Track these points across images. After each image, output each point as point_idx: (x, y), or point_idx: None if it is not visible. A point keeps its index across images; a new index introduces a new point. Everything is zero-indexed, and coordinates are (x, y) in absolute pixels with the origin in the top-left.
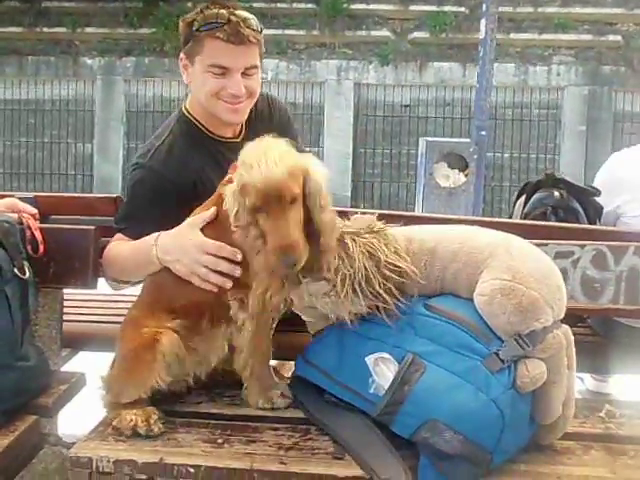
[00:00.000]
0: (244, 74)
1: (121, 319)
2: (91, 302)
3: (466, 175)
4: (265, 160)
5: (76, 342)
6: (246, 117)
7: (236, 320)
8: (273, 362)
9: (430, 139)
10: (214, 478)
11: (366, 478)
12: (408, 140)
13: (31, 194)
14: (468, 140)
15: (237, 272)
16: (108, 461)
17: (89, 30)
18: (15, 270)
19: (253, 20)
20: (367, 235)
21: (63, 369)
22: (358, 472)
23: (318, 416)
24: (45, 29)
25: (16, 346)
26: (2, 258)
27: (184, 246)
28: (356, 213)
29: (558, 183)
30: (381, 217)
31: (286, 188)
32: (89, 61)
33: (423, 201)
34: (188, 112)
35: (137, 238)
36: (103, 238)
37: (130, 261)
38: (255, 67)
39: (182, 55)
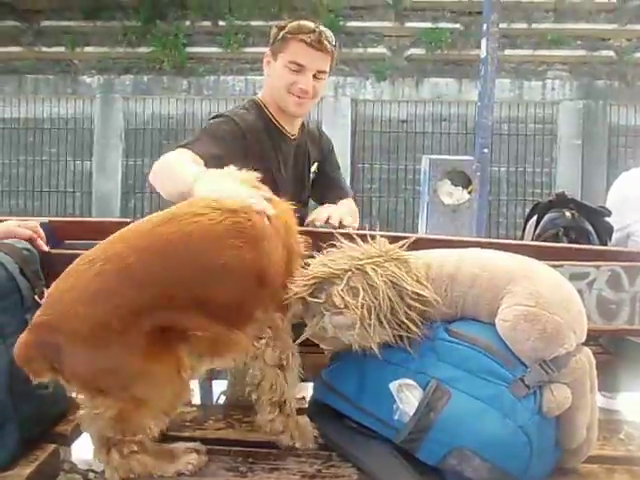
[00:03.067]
0: (315, 76)
1: None
2: None
3: (469, 192)
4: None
5: None
6: (305, 115)
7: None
8: None
9: (433, 157)
10: None
11: None
12: (406, 155)
13: (46, 219)
14: (471, 157)
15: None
16: None
17: (88, 49)
18: (36, 297)
19: (332, 36)
20: (387, 264)
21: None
22: None
23: (339, 442)
24: (44, 48)
25: None
26: (24, 286)
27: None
28: (364, 235)
29: (569, 203)
30: (390, 238)
31: None
32: (88, 79)
33: (427, 219)
34: (261, 101)
35: (201, 158)
36: None
37: (172, 178)
38: (324, 72)
39: (268, 52)
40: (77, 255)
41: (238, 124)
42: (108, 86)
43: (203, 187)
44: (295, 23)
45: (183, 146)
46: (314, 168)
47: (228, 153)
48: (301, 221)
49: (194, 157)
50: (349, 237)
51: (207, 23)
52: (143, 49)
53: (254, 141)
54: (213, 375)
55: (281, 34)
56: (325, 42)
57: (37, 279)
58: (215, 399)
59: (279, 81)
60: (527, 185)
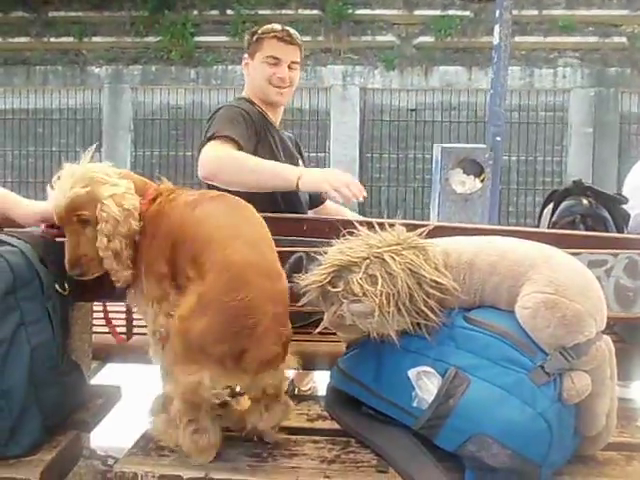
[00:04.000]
0: (289, 67)
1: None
2: (118, 314)
3: (482, 181)
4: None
5: (104, 354)
6: (286, 103)
7: None
8: (291, 373)
9: (445, 145)
10: None
11: None
12: (415, 144)
13: None
14: (483, 146)
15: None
16: (153, 476)
17: (96, 39)
18: (56, 286)
19: (296, 33)
20: (405, 252)
21: (93, 382)
22: None
23: (357, 429)
24: (52, 39)
25: (58, 362)
26: (44, 274)
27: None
28: (382, 224)
29: (586, 191)
30: (409, 227)
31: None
32: (96, 70)
33: (439, 208)
34: (248, 97)
35: (229, 139)
36: None
37: (256, 171)
38: (297, 63)
39: (245, 56)
40: None
41: (243, 109)
42: (116, 76)
43: (309, 178)
44: (265, 27)
45: (215, 137)
46: (300, 164)
47: (245, 130)
48: (301, 206)
49: (237, 146)
50: (367, 225)
51: (215, 12)
52: (151, 39)
53: (257, 124)
54: None
55: (255, 37)
56: (293, 36)
57: (57, 269)
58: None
59: (259, 75)
60: (537, 174)
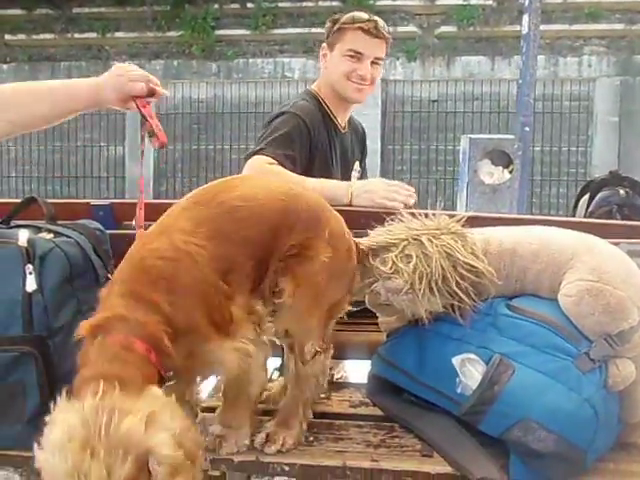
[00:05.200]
0: (372, 62)
1: None
2: None
3: (510, 171)
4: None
5: None
6: (363, 101)
7: None
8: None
9: (473, 136)
10: (308, 475)
11: (457, 475)
12: (437, 136)
13: (107, 201)
14: (512, 136)
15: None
16: (205, 459)
17: (118, 35)
18: (109, 275)
19: (385, 24)
20: (444, 236)
21: None
22: (449, 470)
23: (400, 415)
24: (76, 35)
25: None
26: (98, 265)
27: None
28: (433, 214)
29: (622, 181)
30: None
31: None
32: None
33: (467, 199)
34: (316, 92)
35: (277, 160)
36: None
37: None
38: (381, 59)
39: (324, 45)
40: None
41: (304, 120)
42: None
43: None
44: (349, 14)
45: (261, 152)
46: (357, 167)
47: (298, 151)
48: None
49: (279, 162)
50: (411, 215)
51: (235, 5)
52: (172, 33)
53: (316, 134)
54: None
55: (336, 26)
56: (380, 29)
57: (108, 258)
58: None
59: (338, 69)
60: (562, 164)
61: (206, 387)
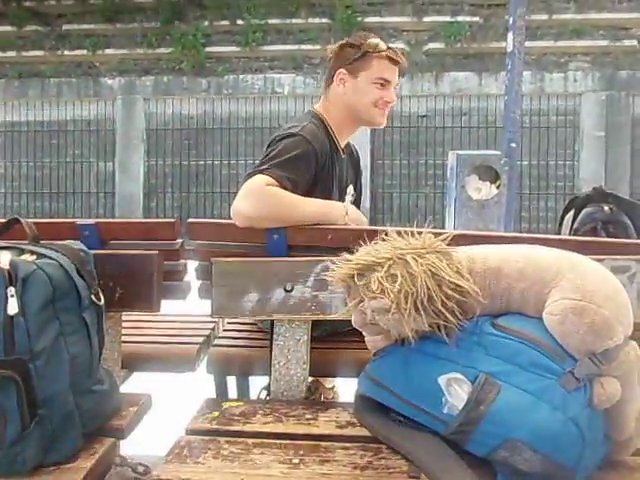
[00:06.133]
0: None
1: (175, 339)
2: (146, 322)
3: (497, 187)
4: None
5: (131, 363)
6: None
7: None
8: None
9: (460, 152)
10: None
11: None
12: (426, 150)
13: (93, 220)
14: (498, 152)
15: None
16: None
17: (109, 51)
18: (92, 297)
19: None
20: (429, 255)
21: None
22: None
23: (387, 435)
24: (66, 52)
25: (94, 370)
26: (81, 286)
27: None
28: (419, 232)
29: (607, 198)
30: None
31: None
32: (109, 81)
33: (455, 214)
34: (321, 115)
35: (278, 182)
36: (165, 262)
37: (301, 208)
38: (397, 84)
39: (342, 70)
40: (122, 255)
41: (314, 146)
42: (129, 87)
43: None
44: (371, 41)
45: (264, 172)
46: (350, 190)
47: (302, 176)
48: None
49: (280, 184)
50: (397, 234)
51: (225, 22)
52: (163, 50)
53: (322, 160)
54: (250, 371)
55: (359, 52)
56: (401, 56)
57: (92, 279)
58: (257, 394)
59: (366, 97)
60: (550, 178)
61: None
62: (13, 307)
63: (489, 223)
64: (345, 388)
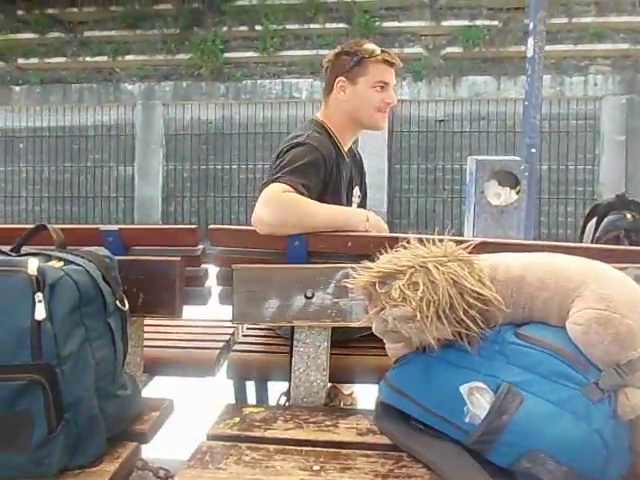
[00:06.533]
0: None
1: (195, 344)
2: (166, 327)
3: (517, 192)
4: None
5: (152, 367)
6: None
7: None
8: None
9: (479, 157)
10: None
11: None
12: (443, 155)
13: (116, 227)
14: (518, 158)
15: None
16: None
17: (129, 57)
18: (117, 303)
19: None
20: (450, 263)
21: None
22: None
23: (407, 443)
24: (87, 58)
25: (118, 375)
26: (106, 292)
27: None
28: (440, 240)
29: (629, 205)
30: (457, 243)
31: None
32: (129, 87)
33: (474, 220)
34: (323, 122)
35: (294, 188)
36: (187, 267)
37: (321, 215)
38: (395, 84)
39: (341, 78)
40: (146, 261)
41: (321, 152)
42: (149, 93)
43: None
44: (366, 47)
45: (278, 180)
46: (357, 192)
47: (314, 182)
48: None
49: (296, 190)
50: (418, 241)
51: (243, 28)
52: (182, 56)
53: (330, 166)
54: (269, 376)
55: (355, 59)
56: (396, 58)
57: (117, 285)
58: (276, 400)
59: (368, 102)
60: (569, 183)
61: None
62: (41, 312)
63: (508, 229)
64: (364, 394)
